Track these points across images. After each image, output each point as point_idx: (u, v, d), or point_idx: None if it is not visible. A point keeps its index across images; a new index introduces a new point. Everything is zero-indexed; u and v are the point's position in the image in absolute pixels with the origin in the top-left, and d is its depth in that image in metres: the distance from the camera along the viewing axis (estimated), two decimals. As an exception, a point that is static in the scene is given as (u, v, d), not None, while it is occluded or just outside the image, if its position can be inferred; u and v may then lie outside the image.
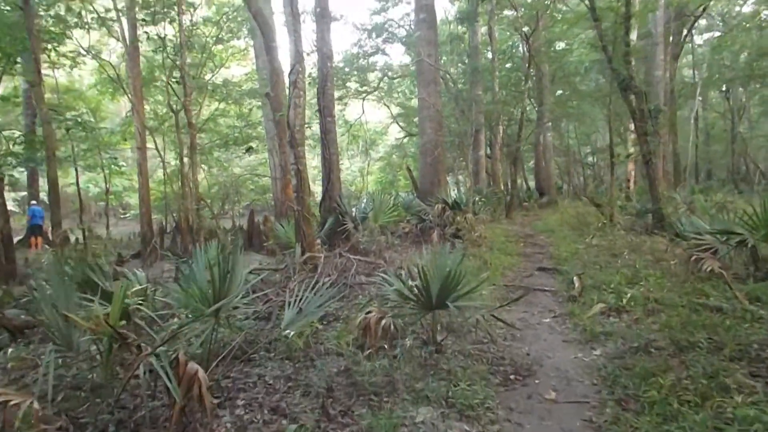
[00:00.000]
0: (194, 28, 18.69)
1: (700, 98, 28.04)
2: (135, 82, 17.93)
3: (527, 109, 25.14)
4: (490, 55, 23.43)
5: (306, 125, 13.99)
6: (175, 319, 4.90)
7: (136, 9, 17.35)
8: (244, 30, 20.76)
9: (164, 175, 19.94)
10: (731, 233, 6.78)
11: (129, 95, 18.00)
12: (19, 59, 20.27)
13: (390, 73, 26.93)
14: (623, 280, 6.93)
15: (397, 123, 27.52)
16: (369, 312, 4.69)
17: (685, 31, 24.23)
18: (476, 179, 22.22)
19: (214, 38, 19.43)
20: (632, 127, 21.03)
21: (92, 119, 27.38)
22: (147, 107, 22.39)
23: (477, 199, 13.34)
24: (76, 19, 15.82)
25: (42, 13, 14.74)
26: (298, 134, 8.46)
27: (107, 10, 16.88)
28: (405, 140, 28.11)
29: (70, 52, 17.50)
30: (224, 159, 28.18)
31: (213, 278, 3.79)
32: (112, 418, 3.30)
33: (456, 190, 22.11)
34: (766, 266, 6.61)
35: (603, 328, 5.25)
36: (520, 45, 26.19)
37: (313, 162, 34.43)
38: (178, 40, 15.74)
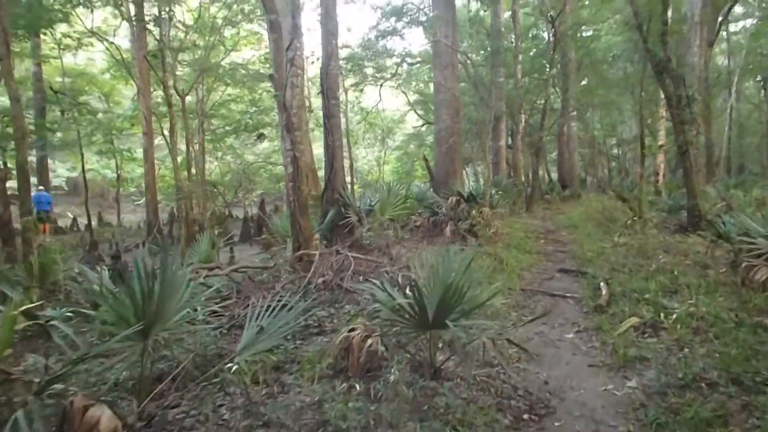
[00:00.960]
0: (203, 8, 17.99)
1: (734, 88, 26.48)
2: (141, 65, 17.33)
3: (551, 97, 23.95)
4: (513, 40, 22.30)
5: (308, 109, 13.18)
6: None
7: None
8: (258, 12, 19.95)
9: (173, 161, 19.33)
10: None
11: (135, 78, 17.42)
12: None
13: (408, 59, 26.00)
14: (659, 289, 6.00)
15: (415, 111, 26.56)
16: (353, 329, 3.87)
17: (720, 17, 22.73)
18: (496, 170, 21.22)
19: (225, 20, 18.69)
20: (664, 115, 19.87)
21: (105, 104, 27.07)
22: (158, 91, 21.88)
23: (494, 191, 12.41)
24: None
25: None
26: (295, 117, 7.65)
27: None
28: (423, 129, 27.16)
29: (75, 32, 16.96)
30: (237, 146, 27.57)
31: (134, 291, 2.96)
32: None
33: (474, 182, 21.15)
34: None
35: (638, 351, 4.36)
36: (545, 30, 25.03)
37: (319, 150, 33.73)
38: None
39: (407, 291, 4.80)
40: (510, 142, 23.61)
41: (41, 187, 21.08)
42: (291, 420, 3.20)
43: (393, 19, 22.93)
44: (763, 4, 25.77)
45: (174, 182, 22.95)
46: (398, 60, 25.66)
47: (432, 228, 11.67)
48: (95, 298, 3.72)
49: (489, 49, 19.37)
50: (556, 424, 3.41)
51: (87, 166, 30.53)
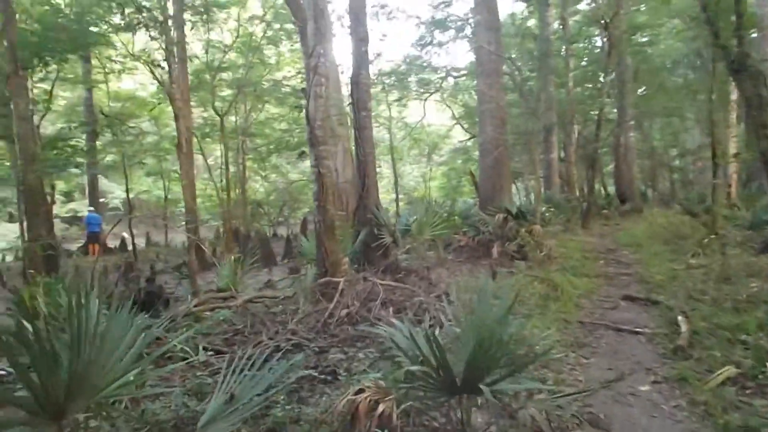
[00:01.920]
0: (242, 28, 17.85)
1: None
2: (182, 85, 17.31)
3: (606, 107, 22.52)
4: (563, 48, 21.13)
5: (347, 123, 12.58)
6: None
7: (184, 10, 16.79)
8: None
9: (212, 181, 19.13)
10: None
11: (175, 99, 17.38)
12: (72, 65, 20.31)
13: (454, 73, 25.21)
14: (758, 327, 4.84)
15: (460, 125, 25.65)
16: (361, 390, 3.01)
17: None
18: (548, 184, 19.98)
19: (266, 39, 18.49)
20: (734, 121, 18.15)
21: (155, 126, 27.57)
22: (200, 111, 21.98)
23: (545, 207, 11.31)
24: (120, 21, 15.29)
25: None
26: (319, 131, 6.96)
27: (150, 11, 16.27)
28: (469, 143, 26.18)
29: (118, 56, 17.16)
30: (281, 165, 27.44)
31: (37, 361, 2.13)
32: None
33: (524, 197, 19.91)
34: None
35: (744, 418, 3.30)
36: (598, 36, 23.72)
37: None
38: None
39: (438, 331, 3.95)
40: (563, 154, 22.32)
41: (91, 208, 21.48)
42: None
43: (437, 32, 22.31)
44: None
45: (218, 202, 22.89)
46: (443, 74, 24.96)
47: (477, 248, 10.71)
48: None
49: (537, 57, 18.31)
50: None
51: (142, 188, 31.26)
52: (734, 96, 16.80)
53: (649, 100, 25.18)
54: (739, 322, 4.98)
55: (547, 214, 11.46)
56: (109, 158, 27.37)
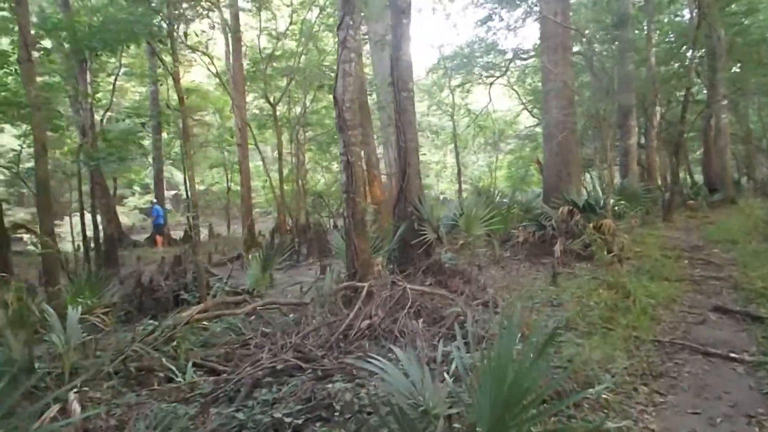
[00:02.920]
0: (296, 15, 17.36)
1: None
2: (236, 75, 17.10)
3: (694, 86, 20.17)
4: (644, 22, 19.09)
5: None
6: None
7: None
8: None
9: (267, 172, 18.85)
10: None
11: (229, 89, 17.24)
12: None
13: (522, 55, 23.61)
14: None
15: (527, 110, 24.04)
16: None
17: None
18: (625, 172, 18.15)
19: (320, 24, 17.91)
20: None
21: (219, 118, 27.95)
22: (257, 101, 21.80)
23: (617, 199, 9.92)
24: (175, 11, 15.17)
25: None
26: (348, 113, 6.15)
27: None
28: (537, 129, 24.54)
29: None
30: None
31: None
32: None
33: (597, 187, 18.19)
34: None
35: None
36: (686, 8, 21.36)
37: (432, 155, 31.92)
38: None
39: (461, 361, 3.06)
40: (642, 140, 20.31)
41: (155, 201, 21.99)
42: None
43: (503, 11, 20.87)
44: None
45: (272, 194, 22.79)
46: (510, 55, 23.44)
47: (538, 245, 9.57)
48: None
49: (613, 30, 16.51)
50: None
51: (211, 180, 32.02)
52: None
53: (745, 77, 22.44)
54: None
55: (618, 206, 10.06)
56: (176, 150, 28.11)
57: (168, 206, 32.74)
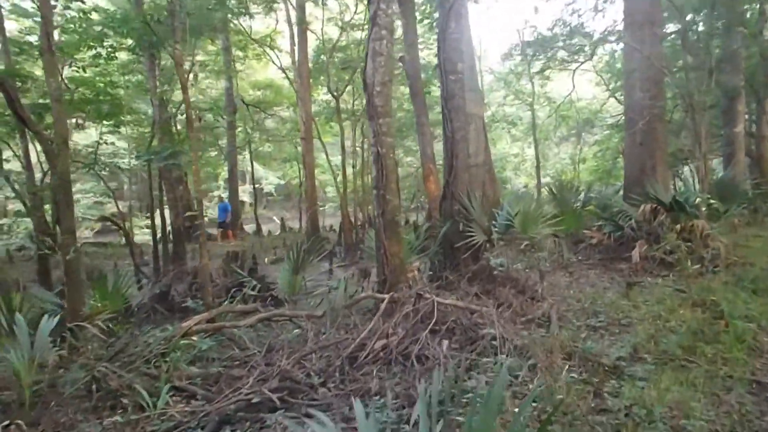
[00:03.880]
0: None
1: None
2: (301, 68, 16.82)
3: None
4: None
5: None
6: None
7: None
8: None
9: (330, 166, 18.47)
10: None
11: (294, 83, 17.03)
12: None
13: (611, 37, 21.58)
14: None
15: (615, 97, 21.98)
16: None
17: None
18: (729, 164, 15.94)
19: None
20: None
21: (293, 113, 28.20)
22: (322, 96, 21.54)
23: (706, 197, 8.41)
24: (240, 6, 15.09)
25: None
26: (379, 98, 5.43)
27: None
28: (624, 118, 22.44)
29: (241, 41, 17.21)
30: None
31: None
32: None
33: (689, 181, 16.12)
34: None
35: None
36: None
37: (509, 147, 30.21)
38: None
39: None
40: (753, 128, 17.81)
41: (222, 196, 22.61)
42: None
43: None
44: None
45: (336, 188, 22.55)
46: (596, 38, 21.50)
47: (614, 248, 8.35)
48: None
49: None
50: None
51: (293, 174, 32.65)
52: None
53: None
54: None
55: (713, 204, 8.55)
56: (255, 145, 28.75)
57: (246, 199, 33.74)
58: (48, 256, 10.57)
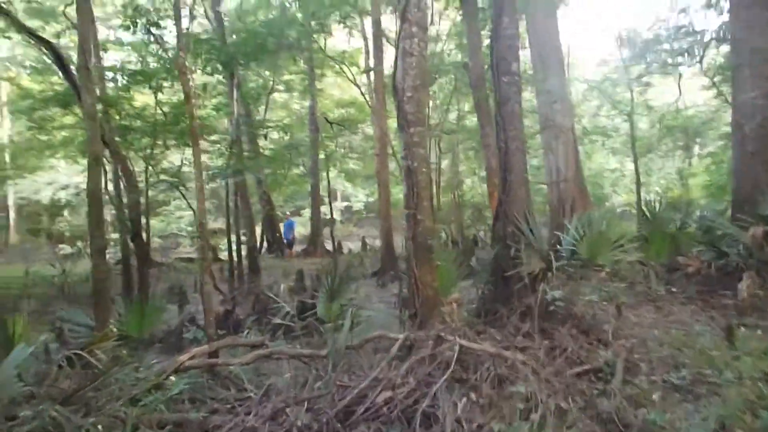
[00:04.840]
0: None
1: None
2: (376, 82, 16.49)
3: None
4: None
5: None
6: None
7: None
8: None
9: (401, 175, 17.83)
10: None
11: (368, 98, 16.72)
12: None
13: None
14: None
15: (727, 100, 19.47)
16: None
17: None
18: None
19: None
20: None
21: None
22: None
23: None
24: (315, 24, 15.10)
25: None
26: (410, 105, 4.75)
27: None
28: (743, 126, 19.77)
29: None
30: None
31: None
32: None
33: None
34: None
35: None
36: None
37: (606, 162, 27.90)
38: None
39: None
40: None
41: (288, 213, 23.15)
42: None
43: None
44: None
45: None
46: (706, 39, 19.23)
47: (718, 279, 6.93)
48: None
49: None
50: None
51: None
52: None
53: None
54: None
55: None
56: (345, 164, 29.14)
57: (337, 217, 34.09)
58: (130, 269, 10.89)
